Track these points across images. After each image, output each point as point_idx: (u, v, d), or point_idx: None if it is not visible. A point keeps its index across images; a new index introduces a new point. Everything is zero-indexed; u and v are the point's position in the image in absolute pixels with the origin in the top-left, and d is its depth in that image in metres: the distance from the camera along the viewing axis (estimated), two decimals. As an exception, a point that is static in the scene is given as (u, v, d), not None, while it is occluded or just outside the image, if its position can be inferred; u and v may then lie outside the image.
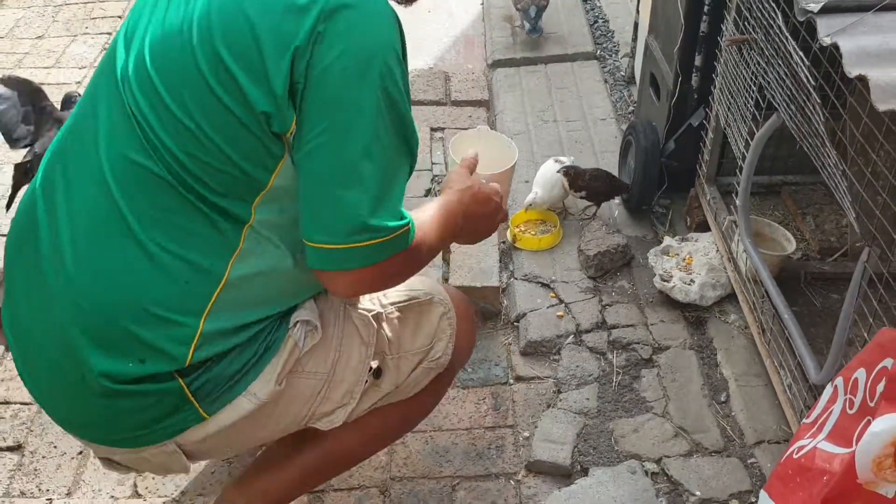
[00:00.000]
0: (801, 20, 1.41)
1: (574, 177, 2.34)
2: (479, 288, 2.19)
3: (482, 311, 2.20)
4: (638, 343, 2.07)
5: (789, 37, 1.53)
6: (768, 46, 1.66)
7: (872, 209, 1.36)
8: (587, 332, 2.11)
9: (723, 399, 1.94)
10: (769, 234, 2.08)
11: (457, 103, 2.98)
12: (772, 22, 1.60)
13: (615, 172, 2.50)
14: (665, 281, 2.13)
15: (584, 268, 2.26)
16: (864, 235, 1.39)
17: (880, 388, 1.17)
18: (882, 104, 1.16)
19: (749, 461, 1.80)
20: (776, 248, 2.05)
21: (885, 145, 1.34)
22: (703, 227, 2.24)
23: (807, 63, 1.48)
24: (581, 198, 2.38)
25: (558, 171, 2.36)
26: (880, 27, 1.32)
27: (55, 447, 1.91)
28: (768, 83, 1.70)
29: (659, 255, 2.20)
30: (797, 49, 1.50)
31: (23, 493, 1.81)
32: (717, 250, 2.12)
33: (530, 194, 2.39)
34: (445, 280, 2.22)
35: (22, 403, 2.01)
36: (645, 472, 1.78)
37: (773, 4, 1.60)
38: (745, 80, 1.84)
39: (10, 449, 1.91)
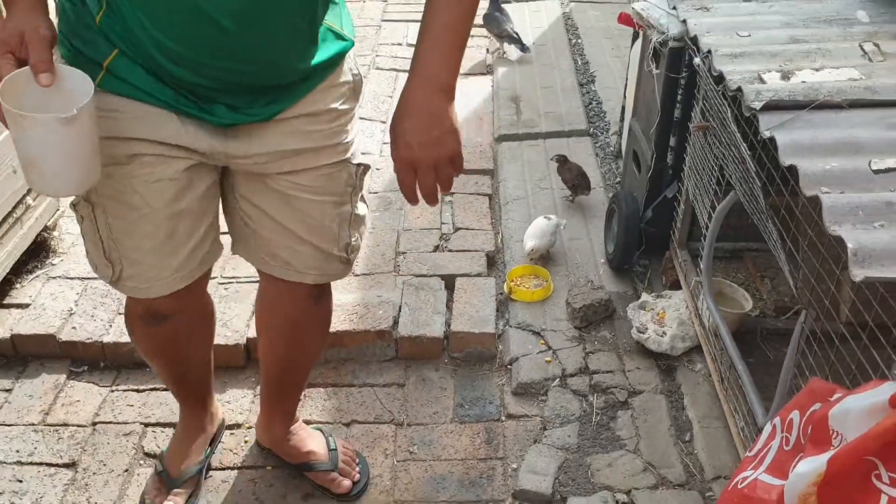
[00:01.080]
0: (747, 115, 1.50)
1: (563, 163, 2.79)
2: (477, 334, 2.27)
3: (479, 354, 2.27)
4: (616, 387, 2.13)
5: (736, 130, 1.61)
6: (724, 135, 1.75)
7: (808, 277, 1.42)
8: (572, 375, 2.18)
9: (687, 438, 1.99)
10: (730, 293, 2.15)
11: (465, 171, 3.06)
12: (724, 115, 1.69)
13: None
14: (641, 332, 2.19)
15: (571, 319, 2.33)
16: (802, 299, 1.45)
17: (809, 430, 1.22)
18: (808, 190, 1.24)
19: (707, 494, 1.84)
20: (736, 306, 2.12)
21: (818, 223, 1.42)
22: (677, 285, 2.31)
23: (748, 153, 1.56)
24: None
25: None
26: (812, 123, 1.40)
27: (104, 465, 1.98)
28: (726, 165, 1.78)
29: (636, 310, 2.26)
30: (742, 141, 1.58)
31: (74, 505, 1.89)
32: (687, 307, 2.19)
33: (527, 245, 2.49)
34: (447, 325, 2.29)
35: (78, 426, 2.09)
36: (616, 502, 1.83)
37: (725, 100, 1.69)
38: (709, 160, 1.92)
39: (65, 466, 1.99)
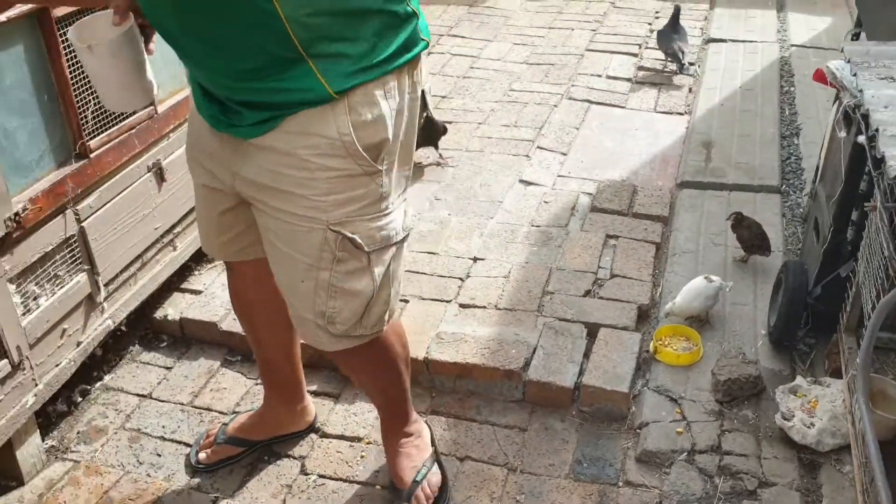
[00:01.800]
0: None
1: (739, 221, 2.65)
2: (610, 391, 2.18)
3: (609, 412, 2.18)
4: (747, 473, 1.96)
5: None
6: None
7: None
8: (701, 452, 2.03)
9: (816, 547, 1.80)
10: (894, 395, 1.91)
11: (637, 215, 2.96)
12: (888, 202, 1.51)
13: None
14: (786, 419, 2.01)
15: (714, 391, 2.18)
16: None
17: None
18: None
19: None
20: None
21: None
22: (840, 373, 2.09)
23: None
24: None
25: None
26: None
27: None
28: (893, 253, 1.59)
29: (786, 393, 2.08)
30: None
31: (198, 489, 2.02)
32: (844, 400, 1.97)
33: (671, 304, 2.36)
34: (581, 376, 2.22)
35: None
36: None
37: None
38: (881, 245, 1.72)
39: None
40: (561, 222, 2.95)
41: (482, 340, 2.33)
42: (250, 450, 2.10)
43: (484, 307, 2.49)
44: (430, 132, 3.20)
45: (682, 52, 4.04)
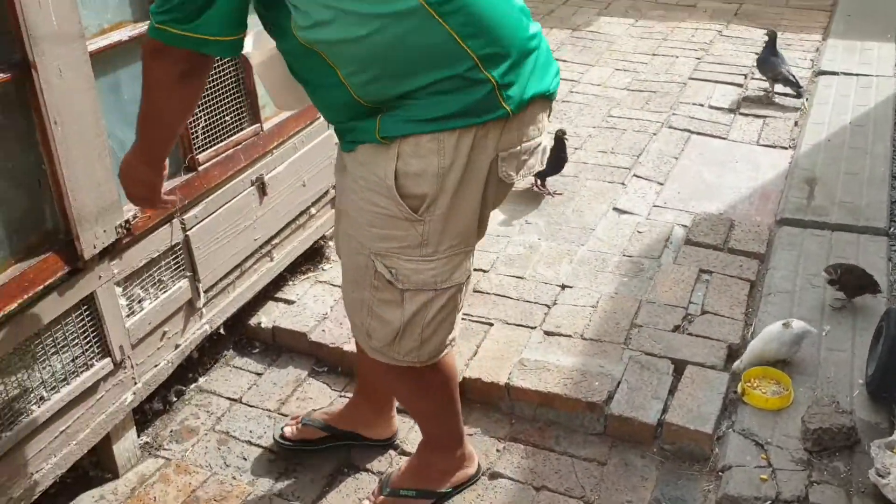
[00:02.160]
0: None
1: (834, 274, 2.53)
2: (693, 430, 2.13)
3: (691, 452, 2.13)
4: (834, 529, 1.89)
5: None
6: None
7: None
8: (786, 502, 1.96)
9: None
10: None
11: (732, 251, 2.90)
12: None
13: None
14: (881, 476, 1.92)
15: (803, 439, 2.10)
16: None
17: None
18: None
19: None
20: None
21: None
22: (942, 431, 1.99)
23: None
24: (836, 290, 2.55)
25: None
26: None
27: (311, 467, 2.16)
28: None
29: (882, 449, 1.98)
30: None
31: (280, 495, 2.08)
32: (944, 461, 1.88)
33: (747, 356, 2.29)
34: (664, 413, 2.18)
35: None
36: None
37: None
38: None
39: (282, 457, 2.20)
40: (654, 254, 2.91)
41: (565, 370, 2.32)
42: (331, 438, 2.16)
43: (569, 336, 2.48)
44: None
45: (793, 76, 3.99)
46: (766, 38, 4.08)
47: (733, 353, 2.43)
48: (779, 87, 4.06)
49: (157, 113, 1.53)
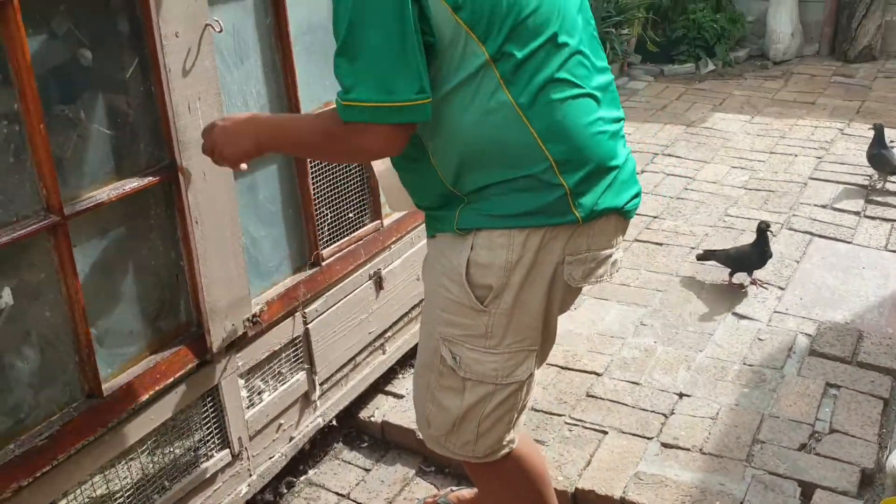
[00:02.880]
0: None
1: None
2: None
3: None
4: None
5: None
6: None
7: None
8: None
9: None
10: None
11: (862, 365, 2.74)
12: None
13: None
14: None
15: (951, 582, 1.93)
16: None
17: None
18: None
19: None
20: None
21: None
22: None
23: None
24: None
25: None
26: None
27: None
28: None
29: None
30: None
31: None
32: None
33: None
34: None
35: None
36: None
37: None
38: None
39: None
40: (776, 363, 2.78)
41: (684, 486, 2.21)
42: None
43: (688, 449, 2.38)
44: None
45: None
46: (873, 132, 3.98)
47: (867, 477, 2.27)
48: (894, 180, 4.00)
49: (307, 152, 1.82)
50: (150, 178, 1.76)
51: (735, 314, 3.10)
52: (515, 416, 1.69)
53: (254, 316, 2.02)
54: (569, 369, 2.80)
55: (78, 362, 1.68)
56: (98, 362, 1.71)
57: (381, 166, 1.78)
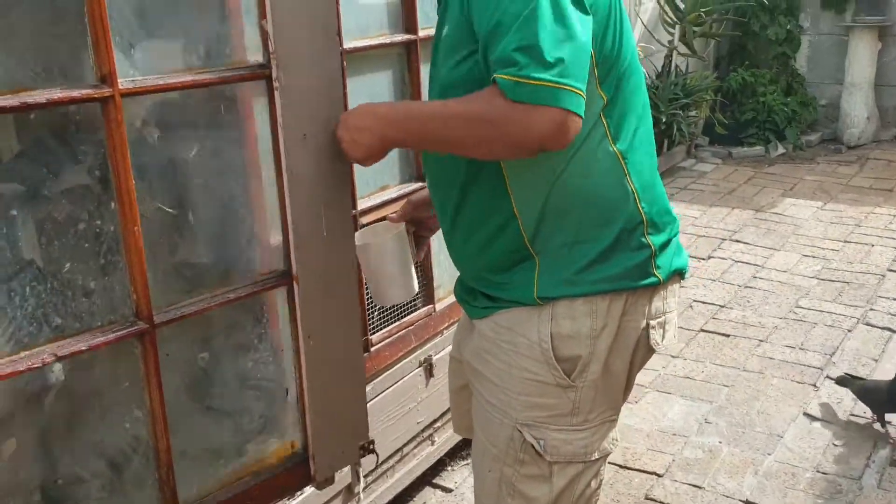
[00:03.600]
0: None
1: None
2: None
3: None
4: None
5: None
6: None
7: None
8: None
9: None
10: None
11: (950, 479, 2.53)
12: None
13: None
14: None
15: None
16: None
17: None
18: None
19: None
20: None
21: None
22: None
23: None
24: None
25: None
26: None
27: None
28: None
29: None
30: None
31: None
32: None
33: None
34: None
35: None
36: None
37: None
38: None
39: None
40: (853, 473, 2.59)
41: None
42: None
43: (755, 566, 2.21)
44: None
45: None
46: None
47: None
48: None
49: (445, 144, 1.38)
50: (259, 285, 1.59)
51: (808, 415, 2.92)
52: (600, 494, 1.59)
53: (369, 444, 1.81)
54: (627, 468, 2.65)
55: (157, 480, 1.52)
56: (179, 482, 1.54)
57: (371, 252, 1.63)
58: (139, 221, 1.40)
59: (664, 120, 5.53)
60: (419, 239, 1.73)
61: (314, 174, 1.52)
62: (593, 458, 1.49)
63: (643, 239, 1.42)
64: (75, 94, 1.31)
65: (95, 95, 1.32)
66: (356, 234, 1.65)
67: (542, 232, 1.41)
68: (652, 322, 1.47)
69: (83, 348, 1.37)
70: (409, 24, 2.21)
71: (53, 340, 1.36)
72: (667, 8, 5.67)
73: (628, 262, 1.41)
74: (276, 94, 1.48)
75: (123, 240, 1.40)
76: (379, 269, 1.63)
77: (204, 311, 1.53)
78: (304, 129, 1.50)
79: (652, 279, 1.44)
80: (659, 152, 5.66)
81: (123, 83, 1.35)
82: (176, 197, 1.53)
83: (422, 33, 2.21)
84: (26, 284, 1.35)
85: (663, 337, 1.50)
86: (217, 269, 1.61)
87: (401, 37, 2.20)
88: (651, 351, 1.52)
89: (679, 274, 1.52)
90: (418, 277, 1.71)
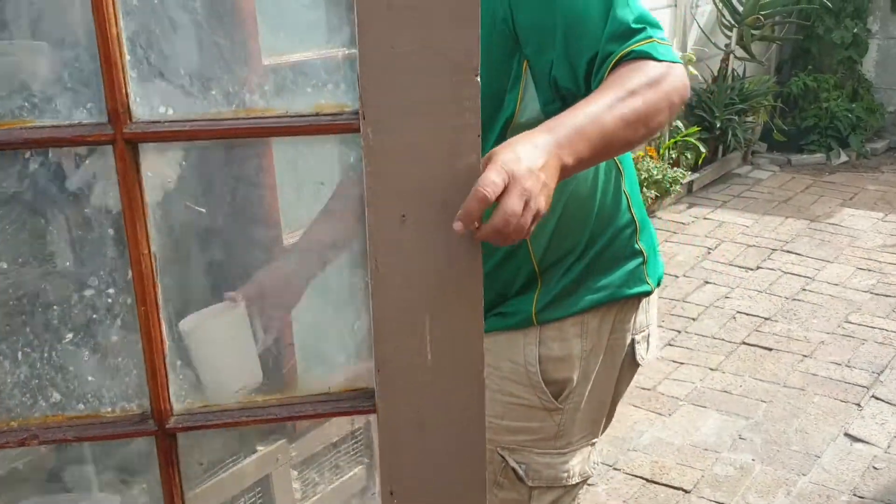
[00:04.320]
0: None
1: None
2: None
3: None
4: None
5: None
6: None
7: None
8: None
9: None
10: None
11: None
12: None
13: None
14: None
15: None
16: None
17: None
18: None
19: None
20: None
21: None
22: None
23: None
24: None
25: None
26: None
27: None
28: None
29: None
30: None
31: None
32: None
33: None
34: None
35: None
36: None
37: None
38: None
39: None
40: (893, 498, 2.49)
41: None
42: None
43: (778, 590, 2.14)
44: None
45: None
46: None
47: None
48: None
49: (625, 145, 1.16)
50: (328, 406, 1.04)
51: (848, 436, 2.81)
52: None
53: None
54: (654, 482, 2.60)
55: None
56: None
57: (193, 339, 1.25)
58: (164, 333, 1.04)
59: (718, 125, 5.40)
60: (270, 318, 1.34)
61: (417, 272, 0.94)
62: (573, 483, 1.46)
63: (636, 245, 1.39)
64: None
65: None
66: (187, 317, 1.27)
67: (550, 251, 1.36)
68: (637, 336, 1.44)
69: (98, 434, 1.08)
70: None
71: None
72: (724, 10, 5.54)
73: (621, 270, 1.38)
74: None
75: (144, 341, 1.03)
76: (207, 357, 1.27)
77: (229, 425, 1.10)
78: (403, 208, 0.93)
79: (645, 287, 1.41)
80: (713, 158, 5.55)
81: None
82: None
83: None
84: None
85: (647, 350, 1.47)
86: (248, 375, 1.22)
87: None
88: (635, 366, 1.49)
89: (659, 282, 1.49)
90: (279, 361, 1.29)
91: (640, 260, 1.40)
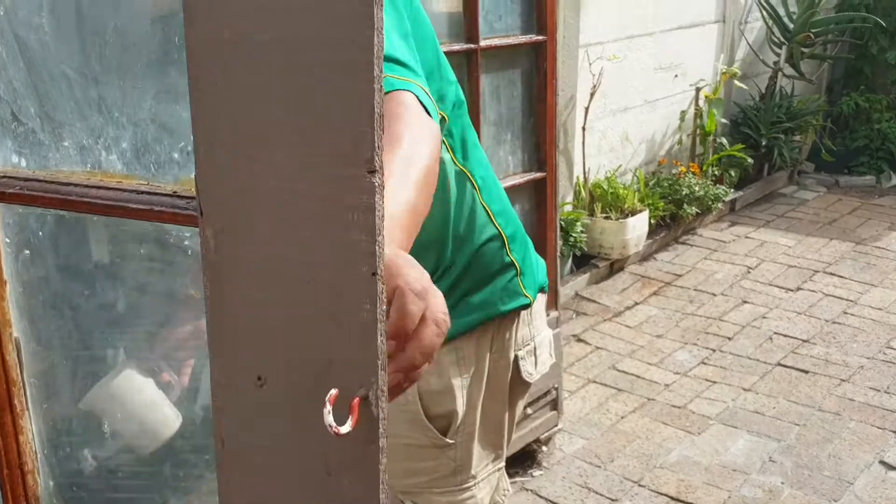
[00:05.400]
0: None
1: None
2: None
3: None
4: None
5: None
6: None
7: None
8: None
9: None
10: None
11: None
12: None
13: None
14: None
15: None
16: None
17: None
18: None
19: None
20: None
21: None
22: None
23: None
24: None
25: None
26: None
27: None
28: None
29: None
30: None
31: None
32: None
33: None
34: None
35: None
36: None
37: None
38: None
39: None
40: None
41: None
42: None
43: None
44: None
45: None
46: None
47: None
48: None
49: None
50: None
51: (884, 463, 2.75)
52: None
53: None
54: (679, 501, 2.57)
55: None
56: None
57: (98, 404, 1.22)
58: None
59: (764, 143, 5.33)
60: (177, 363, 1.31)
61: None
62: None
63: (506, 258, 1.33)
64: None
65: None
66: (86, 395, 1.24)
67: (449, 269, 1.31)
68: (520, 353, 1.38)
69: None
70: (471, 33, 2.22)
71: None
72: (774, 27, 5.48)
73: (494, 286, 1.32)
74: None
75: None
76: (121, 420, 1.24)
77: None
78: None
79: (521, 300, 1.35)
80: (757, 177, 5.47)
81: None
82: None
83: (483, 42, 2.22)
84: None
85: (536, 364, 1.41)
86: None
87: (460, 45, 2.22)
88: (527, 383, 1.42)
89: (542, 290, 1.43)
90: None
91: (513, 272, 1.34)
